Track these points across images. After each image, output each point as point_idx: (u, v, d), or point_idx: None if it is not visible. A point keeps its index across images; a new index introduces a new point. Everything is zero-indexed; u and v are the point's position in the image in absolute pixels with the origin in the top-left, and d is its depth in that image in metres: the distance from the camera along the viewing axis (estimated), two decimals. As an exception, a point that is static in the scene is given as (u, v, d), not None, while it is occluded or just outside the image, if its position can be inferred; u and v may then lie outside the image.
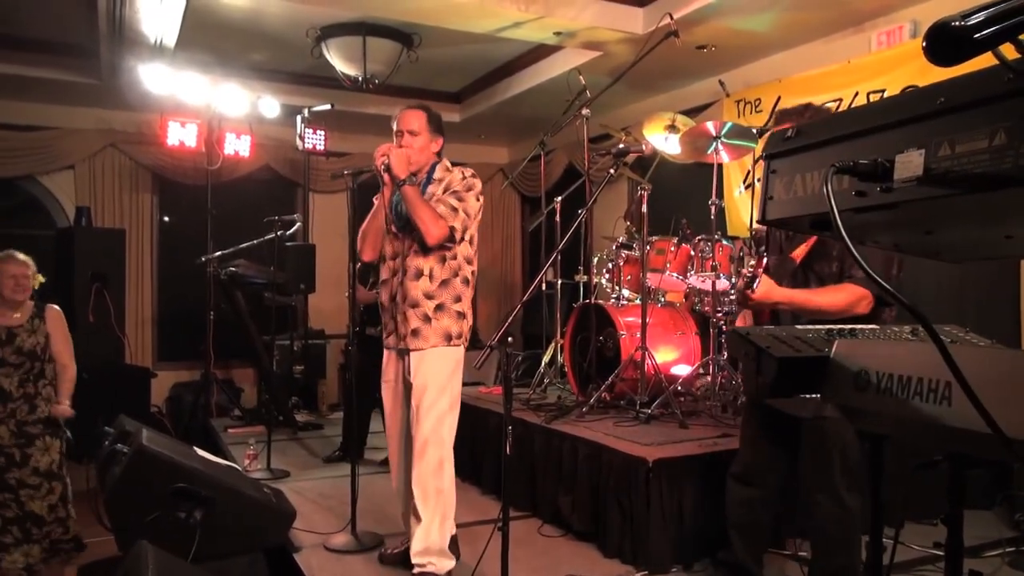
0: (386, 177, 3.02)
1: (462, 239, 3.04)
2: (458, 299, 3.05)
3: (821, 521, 2.61)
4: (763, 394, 1.32)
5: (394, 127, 3.15)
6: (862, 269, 0.94)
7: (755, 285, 2.46)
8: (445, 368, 3.02)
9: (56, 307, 3.85)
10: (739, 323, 3.27)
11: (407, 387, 3.07)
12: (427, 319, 3.00)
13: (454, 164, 3.19)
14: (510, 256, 9.06)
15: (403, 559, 3.10)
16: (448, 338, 3.02)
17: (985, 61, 0.83)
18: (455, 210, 2.99)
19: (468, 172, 3.12)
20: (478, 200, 3.07)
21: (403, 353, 3.07)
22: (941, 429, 1.01)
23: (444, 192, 3.06)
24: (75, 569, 3.72)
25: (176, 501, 2.88)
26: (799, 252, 2.67)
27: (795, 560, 2.98)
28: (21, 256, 3.71)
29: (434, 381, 2.99)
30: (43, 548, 3.53)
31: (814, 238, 2.59)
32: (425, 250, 2.99)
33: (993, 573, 3.05)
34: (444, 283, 3.02)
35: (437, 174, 3.14)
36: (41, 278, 3.80)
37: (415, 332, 2.99)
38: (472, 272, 3.12)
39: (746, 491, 2.84)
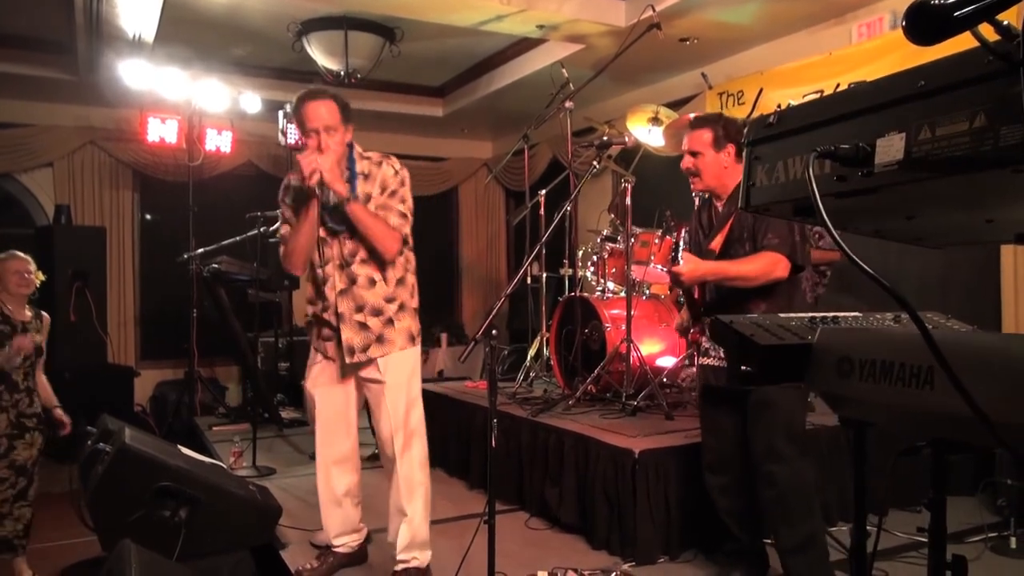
0: (319, 192, 2.72)
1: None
2: (413, 294, 2.96)
3: (779, 491, 2.65)
4: (748, 382, 1.32)
5: (305, 124, 2.74)
6: (845, 255, 0.94)
7: (679, 259, 2.69)
8: (408, 368, 2.94)
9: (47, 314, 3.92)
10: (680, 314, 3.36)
11: (361, 389, 2.98)
12: (391, 322, 2.88)
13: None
14: (495, 251, 9.04)
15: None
16: (412, 338, 2.94)
17: (967, 43, 0.83)
18: (404, 216, 2.85)
19: (396, 163, 2.88)
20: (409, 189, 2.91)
21: (359, 364, 2.90)
22: (924, 414, 1.01)
23: (382, 192, 2.83)
24: (59, 569, 3.69)
25: (160, 500, 2.86)
26: (716, 243, 2.80)
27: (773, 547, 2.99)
28: (21, 254, 3.78)
29: (405, 379, 2.92)
30: None
31: (727, 228, 2.77)
32: (380, 262, 2.84)
33: (976, 558, 3.08)
34: (400, 281, 2.91)
35: (359, 167, 2.86)
36: (42, 276, 3.82)
37: (380, 338, 2.87)
38: (413, 258, 2.98)
39: (718, 479, 2.89)
